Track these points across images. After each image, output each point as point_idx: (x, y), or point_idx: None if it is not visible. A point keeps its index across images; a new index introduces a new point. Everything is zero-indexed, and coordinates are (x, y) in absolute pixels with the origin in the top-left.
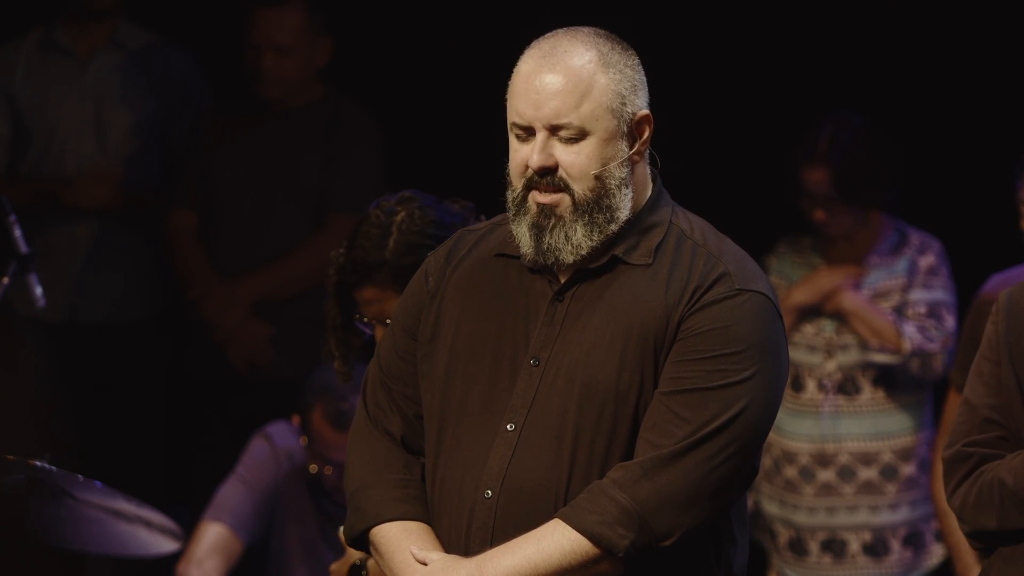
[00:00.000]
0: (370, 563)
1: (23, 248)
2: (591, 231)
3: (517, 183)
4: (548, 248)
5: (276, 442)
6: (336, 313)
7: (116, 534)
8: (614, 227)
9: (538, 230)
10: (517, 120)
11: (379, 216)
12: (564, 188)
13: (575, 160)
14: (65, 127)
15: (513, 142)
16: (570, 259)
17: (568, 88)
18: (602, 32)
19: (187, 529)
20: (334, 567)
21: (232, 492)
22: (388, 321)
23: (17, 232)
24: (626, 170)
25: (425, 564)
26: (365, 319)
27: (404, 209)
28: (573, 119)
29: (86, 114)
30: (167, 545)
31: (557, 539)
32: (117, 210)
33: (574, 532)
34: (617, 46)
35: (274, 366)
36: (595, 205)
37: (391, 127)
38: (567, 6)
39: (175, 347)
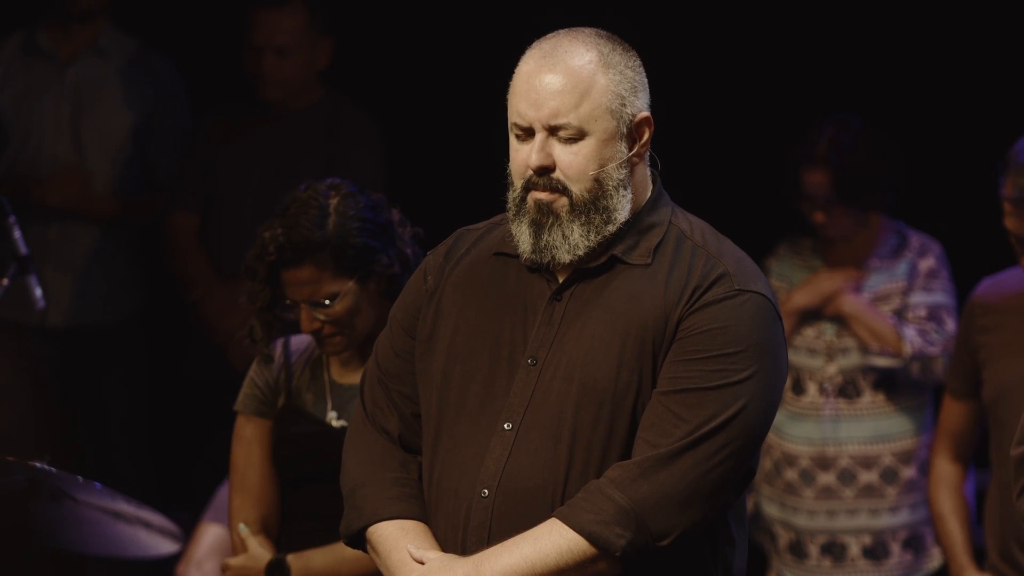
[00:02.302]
0: (290, 558)
1: (22, 250)
2: (588, 231)
3: (517, 183)
4: (545, 246)
5: None
6: (266, 295)
7: (116, 535)
8: (611, 228)
9: (536, 228)
10: (517, 120)
11: (315, 198)
12: (562, 190)
13: (573, 161)
14: (40, 129)
15: (513, 142)
16: (567, 259)
17: (567, 88)
18: (604, 33)
19: (187, 530)
20: (233, 562)
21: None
22: (325, 301)
23: (17, 234)
24: (625, 171)
25: (422, 563)
26: (288, 301)
27: (337, 194)
28: (572, 119)
29: (63, 117)
30: (167, 546)
31: (554, 538)
32: (91, 214)
33: (571, 531)
34: (618, 47)
35: None
36: (592, 206)
37: (391, 129)
38: (568, 6)
39: (175, 348)
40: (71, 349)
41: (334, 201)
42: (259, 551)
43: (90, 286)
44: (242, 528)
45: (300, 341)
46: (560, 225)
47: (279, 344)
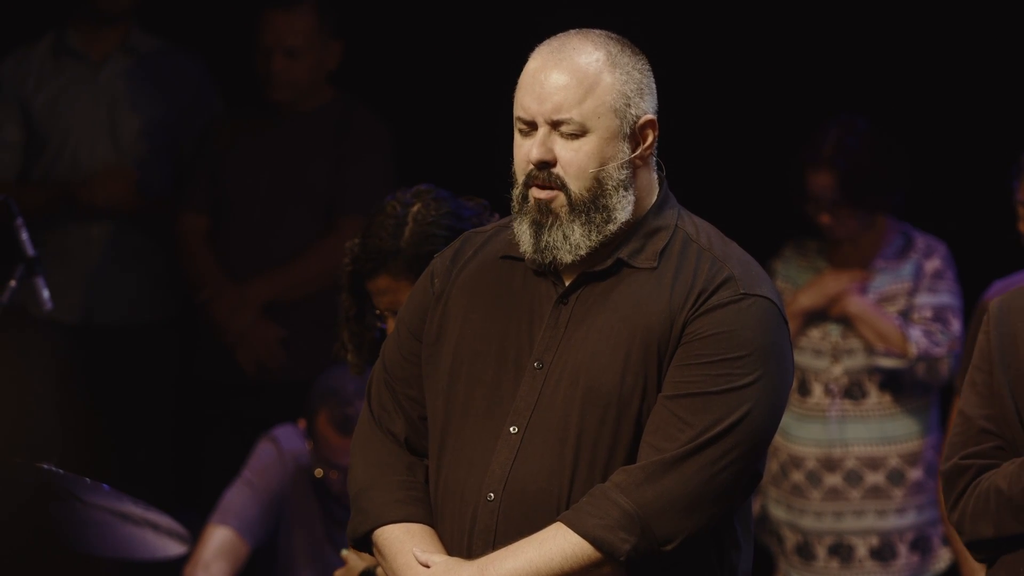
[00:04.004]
0: (379, 571)
1: (30, 251)
2: (589, 231)
3: (519, 179)
4: (546, 246)
5: (282, 445)
6: (350, 305)
7: (123, 537)
8: (612, 228)
9: (537, 227)
10: (521, 114)
11: (395, 207)
12: (560, 186)
13: (573, 157)
14: (78, 131)
15: (517, 137)
16: (568, 259)
17: (572, 84)
18: (613, 35)
19: (194, 532)
20: (337, 574)
21: (238, 496)
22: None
23: (24, 235)
24: (626, 172)
25: (427, 566)
26: (377, 311)
27: (420, 201)
28: (574, 114)
29: (99, 118)
30: (174, 548)
31: (559, 542)
32: (132, 211)
33: (576, 536)
34: (627, 49)
35: (283, 368)
36: (592, 204)
37: (400, 130)
38: (573, 9)
39: (185, 349)
40: (102, 348)
41: (414, 209)
42: (356, 562)
43: (128, 286)
44: (344, 552)
45: None
46: (560, 225)
47: None
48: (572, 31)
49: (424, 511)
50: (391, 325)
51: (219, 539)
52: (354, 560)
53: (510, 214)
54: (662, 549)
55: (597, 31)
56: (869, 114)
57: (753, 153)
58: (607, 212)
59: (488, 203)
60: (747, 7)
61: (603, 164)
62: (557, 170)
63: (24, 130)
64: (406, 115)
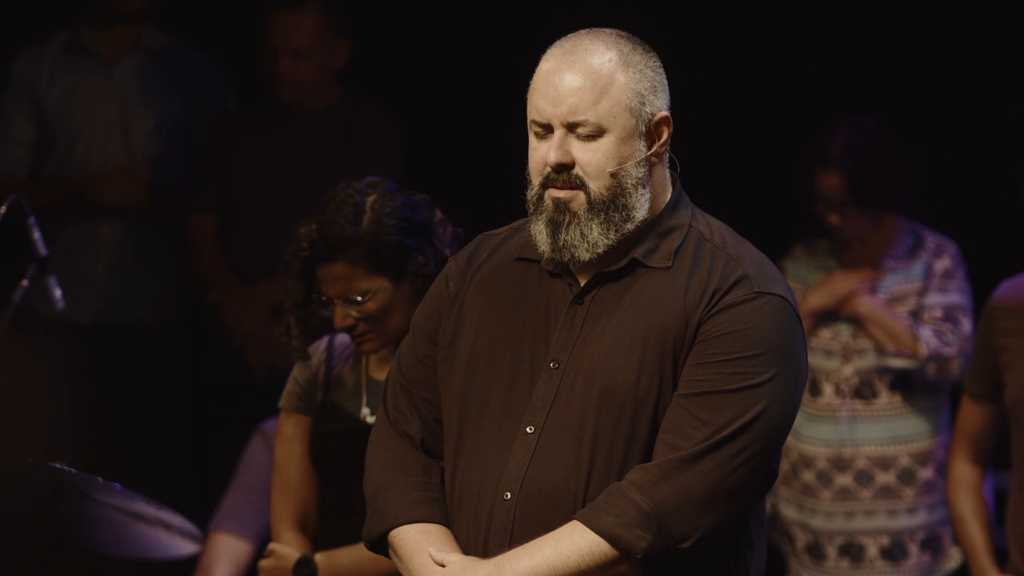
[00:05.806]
0: (317, 557)
1: (42, 251)
2: (607, 229)
3: (535, 181)
4: (564, 245)
5: (270, 435)
6: (301, 291)
7: (136, 536)
8: (630, 226)
9: (554, 226)
10: (536, 117)
11: (352, 195)
12: (580, 186)
13: (592, 158)
14: (90, 129)
15: (532, 140)
16: (586, 257)
17: (587, 86)
18: (624, 34)
19: (206, 531)
20: (265, 564)
21: (232, 498)
22: (358, 298)
23: (36, 235)
24: (643, 170)
25: (443, 566)
26: (324, 297)
27: (375, 191)
28: (590, 116)
29: (111, 116)
30: (186, 547)
31: (575, 540)
32: (143, 210)
33: (592, 534)
34: (639, 47)
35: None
36: (611, 204)
37: (409, 129)
38: (584, 9)
39: (195, 350)
40: (113, 348)
41: (371, 199)
42: (287, 551)
43: (139, 285)
44: (270, 545)
45: (345, 338)
46: (578, 224)
47: (324, 341)
48: (583, 31)
49: (440, 512)
50: (338, 313)
51: (218, 545)
52: (284, 551)
53: (485, 214)
54: (678, 547)
55: (608, 30)
56: (878, 114)
57: (763, 153)
58: (626, 211)
59: (431, 198)
60: (757, 7)
61: (621, 163)
62: (576, 171)
63: (36, 128)
64: (414, 114)
